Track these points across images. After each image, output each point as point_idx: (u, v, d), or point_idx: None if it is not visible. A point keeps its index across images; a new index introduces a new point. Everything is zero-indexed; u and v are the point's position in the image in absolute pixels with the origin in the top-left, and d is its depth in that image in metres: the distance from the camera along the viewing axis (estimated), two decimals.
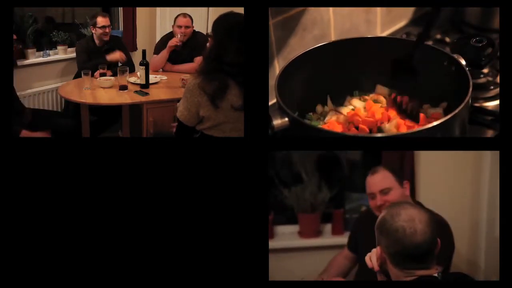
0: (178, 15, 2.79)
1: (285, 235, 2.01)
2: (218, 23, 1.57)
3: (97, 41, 2.72)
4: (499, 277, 1.22)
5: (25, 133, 2.01)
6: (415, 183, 1.70)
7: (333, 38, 1.74)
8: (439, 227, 1.14)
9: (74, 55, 2.89)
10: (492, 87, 1.61)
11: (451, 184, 1.63)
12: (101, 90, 2.41)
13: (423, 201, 1.46)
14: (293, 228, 2.03)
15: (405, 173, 1.70)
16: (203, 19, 3.07)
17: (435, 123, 1.10)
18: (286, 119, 1.19)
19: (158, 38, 3.16)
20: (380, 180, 1.42)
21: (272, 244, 1.93)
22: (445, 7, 2.09)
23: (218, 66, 1.52)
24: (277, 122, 1.20)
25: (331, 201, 2.03)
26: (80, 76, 2.45)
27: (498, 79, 1.63)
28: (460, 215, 1.59)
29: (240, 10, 1.42)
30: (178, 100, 1.68)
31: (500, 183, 1.24)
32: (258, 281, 1.26)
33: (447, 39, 1.90)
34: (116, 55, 2.67)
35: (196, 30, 2.82)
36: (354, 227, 1.65)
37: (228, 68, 1.51)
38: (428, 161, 1.69)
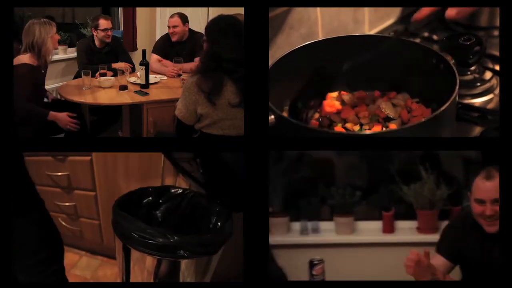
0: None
1: (404, 230, 2.07)
2: (211, 26, 1.63)
3: (97, 43, 2.72)
4: None
5: (52, 115, 2.11)
6: None
7: (320, 36, 1.73)
8: None
9: (74, 55, 2.90)
10: (478, 84, 1.62)
11: None
12: (101, 90, 2.41)
13: None
14: (412, 224, 2.08)
15: None
16: (203, 19, 3.07)
17: (423, 120, 1.10)
18: (272, 116, 1.21)
19: (158, 38, 3.16)
20: (496, 187, 1.29)
21: (392, 238, 2.01)
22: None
23: (215, 64, 1.56)
24: None
25: (449, 198, 2.06)
26: (80, 76, 2.45)
27: (484, 76, 1.64)
28: None
29: (240, 10, 1.43)
30: (178, 100, 1.69)
31: (500, 183, 1.24)
32: (258, 281, 1.26)
33: (435, 37, 1.91)
34: (121, 65, 2.67)
35: (196, 31, 2.83)
36: (453, 233, 1.51)
37: (225, 65, 1.55)
38: None
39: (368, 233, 2.04)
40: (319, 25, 1.74)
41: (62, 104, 2.32)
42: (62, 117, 2.13)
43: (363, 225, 2.07)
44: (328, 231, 2.01)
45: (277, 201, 1.98)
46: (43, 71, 2.22)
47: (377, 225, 2.06)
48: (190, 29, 2.83)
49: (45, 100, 2.34)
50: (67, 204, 2.19)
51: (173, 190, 1.54)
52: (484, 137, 1.41)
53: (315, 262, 1.53)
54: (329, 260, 1.59)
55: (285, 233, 1.97)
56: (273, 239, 1.78)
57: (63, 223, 2.26)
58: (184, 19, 2.78)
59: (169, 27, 2.78)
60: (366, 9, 1.90)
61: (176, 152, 1.48)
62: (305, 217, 1.99)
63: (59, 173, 2.11)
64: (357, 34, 1.78)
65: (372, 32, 1.96)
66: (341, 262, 1.88)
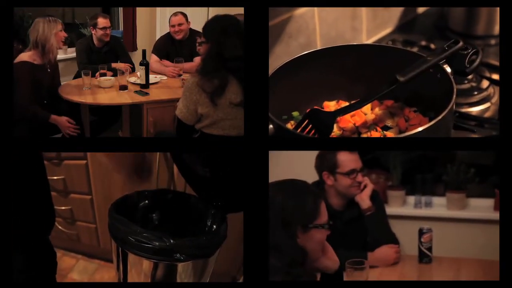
0: (171, 16, 2.80)
1: None
2: (210, 26, 1.61)
3: (96, 42, 2.72)
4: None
5: (53, 118, 2.16)
6: None
7: (319, 45, 1.74)
8: None
9: (74, 55, 2.89)
10: (475, 93, 1.64)
11: None
12: (101, 90, 2.41)
13: None
14: None
15: None
16: (203, 19, 3.06)
17: (420, 129, 1.11)
18: (271, 126, 1.22)
19: (158, 38, 3.16)
20: None
21: None
22: (433, 14, 2.15)
23: (219, 64, 1.55)
24: None
25: None
26: (80, 76, 2.45)
27: (482, 85, 1.66)
28: None
29: (240, 10, 1.43)
30: (178, 100, 1.69)
31: (500, 183, 1.24)
32: (258, 281, 1.26)
33: (432, 46, 1.92)
34: (121, 65, 2.67)
35: (196, 30, 2.82)
36: None
37: (230, 64, 1.54)
38: None
39: (479, 210, 2.02)
40: (317, 34, 1.74)
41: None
42: (62, 121, 2.16)
43: (476, 202, 2.06)
44: (440, 205, 2.05)
45: (395, 176, 2.05)
46: (49, 70, 2.23)
47: (489, 202, 2.04)
48: (190, 28, 2.83)
49: None
50: (63, 208, 2.19)
51: (169, 193, 1.54)
52: (484, 137, 1.41)
53: (424, 230, 1.61)
54: (438, 233, 1.65)
55: (400, 205, 2.06)
56: (389, 209, 1.87)
57: (60, 227, 2.26)
58: (186, 17, 2.79)
59: (173, 25, 2.77)
60: (364, 18, 1.91)
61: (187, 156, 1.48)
62: (420, 192, 2.05)
63: (55, 177, 2.10)
64: (355, 43, 1.80)
65: (370, 41, 1.97)
66: (450, 236, 1.91)
